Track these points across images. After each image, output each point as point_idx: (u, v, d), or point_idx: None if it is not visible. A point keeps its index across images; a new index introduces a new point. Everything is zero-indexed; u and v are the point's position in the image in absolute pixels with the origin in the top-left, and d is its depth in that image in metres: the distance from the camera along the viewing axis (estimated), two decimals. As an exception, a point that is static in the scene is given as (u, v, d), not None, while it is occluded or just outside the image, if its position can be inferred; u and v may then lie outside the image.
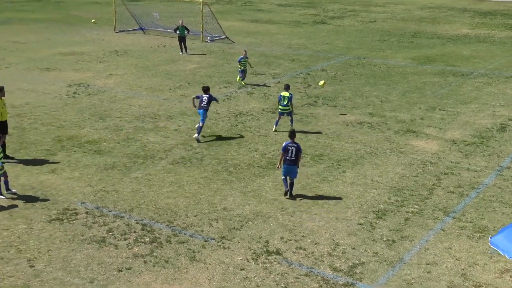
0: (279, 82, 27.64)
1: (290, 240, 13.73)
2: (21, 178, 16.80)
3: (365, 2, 56.88)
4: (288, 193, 15.90)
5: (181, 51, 33.71)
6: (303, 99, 24.81)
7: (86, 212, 14.87)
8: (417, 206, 15.42)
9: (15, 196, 15.62)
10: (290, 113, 20.70)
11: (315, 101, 24.56)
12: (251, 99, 24.71)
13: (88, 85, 26.78)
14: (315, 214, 14.95)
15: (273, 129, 20.88)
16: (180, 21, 34.26)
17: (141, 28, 40.97)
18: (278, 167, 16.19)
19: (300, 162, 16.11)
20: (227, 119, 22.19)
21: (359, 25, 44.39)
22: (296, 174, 15.88)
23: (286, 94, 20.40)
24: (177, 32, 33.76)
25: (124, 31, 40.61)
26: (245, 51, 27.31)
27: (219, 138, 20.24)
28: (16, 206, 15.17)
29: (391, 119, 22.38)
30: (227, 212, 15.04)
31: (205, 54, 33.49)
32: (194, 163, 18.10)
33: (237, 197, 15.88)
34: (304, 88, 26.54)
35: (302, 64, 31.52)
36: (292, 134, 15.76)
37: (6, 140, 18.33)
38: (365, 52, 34.58)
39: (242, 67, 26.74)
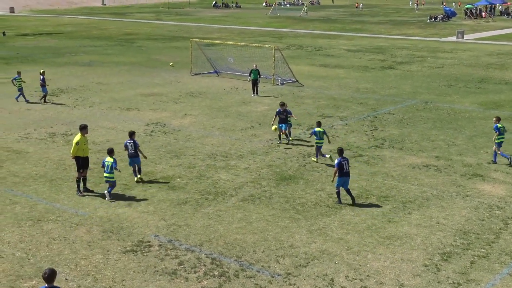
0: (346, 124, 27.99)
1: (355, 279, 13.84)
2: (100, 210, 17.64)
3: (432, 48, 56.63)
4: (351, 200, 18.19)
5: (253, 93, 34.55)
6: (370, 141, 25.03)
7: (159, 245, 15.39)
8: (483, 250, 15.30)
9: (94, 228, 16.53)
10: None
11: (382, 144, 24.76)
12: (319, 141, 25.14)
13: (164, 124, 27.69)
14: (380, 254, 15.05)
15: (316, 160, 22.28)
16: (254, 65, 35.11)
17: (215, 71, 41.91)
18: (332, 180, 18.53)
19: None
20: (296, 159, 22.65)
21: (426, 70, 44.25)
22: (348, 183, 18.30)
23: (320, 129, 21.97)
24: (250, 75, 34.67)
25: (200, 74, 41.73)
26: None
27: (288, 177, 20.65)
28: (94, 237, 15.92)
29: (457, 163, 22.30)
30: (293, 249, 15.30)
31: (276, 97, 33.98)
32: (263, 200, 18.54)
33: (304, 235, 16.15)
34: (371, 130, 26.76)
35: (369, 107, 31.74)
36: (340, 151, 18.36)
37: (87, 174, 19.40)
38: (432, 97, 34.43)
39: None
